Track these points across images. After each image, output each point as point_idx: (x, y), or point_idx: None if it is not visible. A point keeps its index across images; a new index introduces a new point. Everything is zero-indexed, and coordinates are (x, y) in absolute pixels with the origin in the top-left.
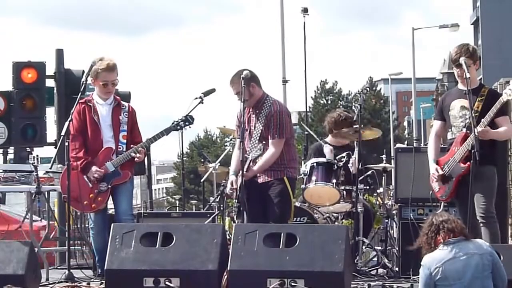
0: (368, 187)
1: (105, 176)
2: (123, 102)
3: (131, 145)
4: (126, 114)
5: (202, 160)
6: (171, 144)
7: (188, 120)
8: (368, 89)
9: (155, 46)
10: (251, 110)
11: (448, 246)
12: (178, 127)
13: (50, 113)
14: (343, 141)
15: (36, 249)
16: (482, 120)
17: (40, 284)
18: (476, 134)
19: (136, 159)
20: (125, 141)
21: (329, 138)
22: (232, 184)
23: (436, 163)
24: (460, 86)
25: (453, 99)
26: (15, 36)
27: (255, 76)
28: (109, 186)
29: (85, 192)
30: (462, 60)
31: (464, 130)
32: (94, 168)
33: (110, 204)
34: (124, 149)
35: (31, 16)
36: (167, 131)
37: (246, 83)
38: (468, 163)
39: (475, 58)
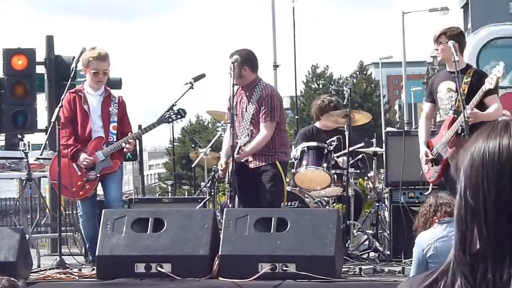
0: (358, 171)
1: (95, 164)
2: (113, 94)
3: (121, 136)
4: (116, 106)
5: (193, 145)
6: (163, 130)
7: (180, 113)
8: (358, 73)
9: (148, 31)
10: (242, 91)
11: (442, 225)
12: (170, 120)
13: (41, 100)
14: (332, 125)
15: (27, 236)
16: (467, 106)
17: (32, 270)
18: (466, 118)
19: (125, 149)
20: (115, 131)
21: (317, 123)
22: (221, 165)
23: (426, 145)
24: (448, 68)
25: (440, 81)
26: (5, 22)
27: (250, 59)
28: (98, 175)
29: (73, 179)
30: (451, 43)
31: (451, 112)
32: (83, 155)
33: (100, 191)
34: (115, 140)
35: (21, 2)
36: (158, 123)
37: (239, 65)
38: (454, 147)
39: (461, 41)
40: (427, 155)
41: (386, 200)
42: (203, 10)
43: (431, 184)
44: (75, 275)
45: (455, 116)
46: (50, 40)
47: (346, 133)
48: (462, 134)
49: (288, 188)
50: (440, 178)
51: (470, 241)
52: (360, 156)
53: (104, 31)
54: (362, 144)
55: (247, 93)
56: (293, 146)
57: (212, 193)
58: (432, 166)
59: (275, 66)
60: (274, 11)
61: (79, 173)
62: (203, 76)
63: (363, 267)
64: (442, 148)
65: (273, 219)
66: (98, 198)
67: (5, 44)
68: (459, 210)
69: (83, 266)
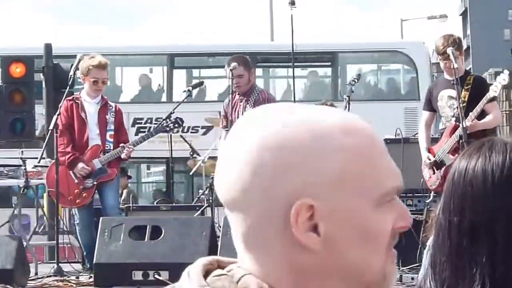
0: None
1: (92, 172)
2: (110, 102)
3: (118, 144)
4: (113, 114)
5: (191, 153)
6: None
7: (177, 122)
8: (356, 80)
9: (147, 33)
10: (238, 97)
11: None
12: (168, 129)
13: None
14: None
15: (24, 243)
16: (470, 114)
17: (29, 278)
18: (464, 126)
19: (123, 156)
20: (112, 140)
21: None
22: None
23: (428, 151)
24: (447, 76)
25: (441, 90)
26: (5, 23)
27: (251, 64)
28: (95, 183)
29: (70, 188)
30: (449, 50)
31: (453, 120)
32: (80, 164)
33: (96, 199)
34: (111, 148)
35: (21, 3)
36: (156, 132)
37: (248, 69)
38: (457, 154)
39: (461, 48)
40: (429, 159)
41: None
42: (203, 12)
43: (432, 192)
44: (73, 283)
45: (457, 123)
46: (48, 48)
47: None
48: (461, 141)
49: None
50: (442, 186)
51: (440, 258)
52: None
53: (103, 34)
54: None
55: (244, 98)
56: None
57: (210, 201)
58: (434, 173)
59: None
60: (273, 17)
61: (76, 181)
62: (201, 84)
63: None
64: (444, 155)
65: None
66: (94, 206)
67: (4, 44)
68: (435, 228)
69: (81, 274)
